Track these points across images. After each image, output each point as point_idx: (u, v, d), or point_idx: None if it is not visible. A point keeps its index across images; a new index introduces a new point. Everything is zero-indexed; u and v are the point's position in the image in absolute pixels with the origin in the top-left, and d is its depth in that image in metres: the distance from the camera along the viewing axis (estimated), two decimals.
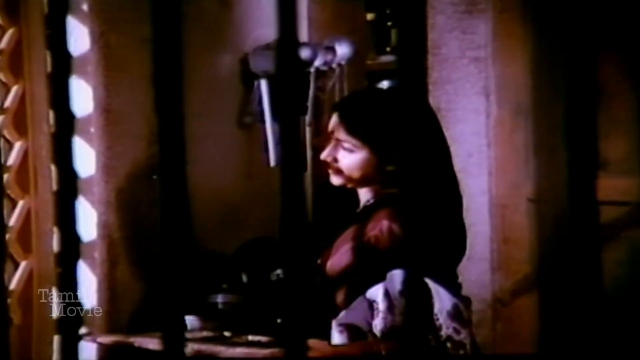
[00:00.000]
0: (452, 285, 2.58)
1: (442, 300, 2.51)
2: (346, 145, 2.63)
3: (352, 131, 2.63)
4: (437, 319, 2.50)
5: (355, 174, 2.64)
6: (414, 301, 2.42)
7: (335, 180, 2.67)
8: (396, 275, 2.52)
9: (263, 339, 2.96)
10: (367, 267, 2.56)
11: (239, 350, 2.90)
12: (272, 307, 3.07)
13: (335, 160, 2.64)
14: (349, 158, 2.63)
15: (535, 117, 3.19)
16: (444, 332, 2.50)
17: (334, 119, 2.65)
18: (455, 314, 2.54)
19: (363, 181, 2.66)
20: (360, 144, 2.62)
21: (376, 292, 2.52)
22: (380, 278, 2.53)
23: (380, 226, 2.56)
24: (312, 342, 2.55)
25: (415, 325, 2.42)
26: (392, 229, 2.55)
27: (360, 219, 2.61)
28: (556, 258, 3.09)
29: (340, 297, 2.60)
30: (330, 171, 2.67)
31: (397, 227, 2.53)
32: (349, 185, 2.68)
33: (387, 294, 2.52)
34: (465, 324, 2.55)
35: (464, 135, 3.21)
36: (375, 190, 2.65)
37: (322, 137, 2.78)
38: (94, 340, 3.24)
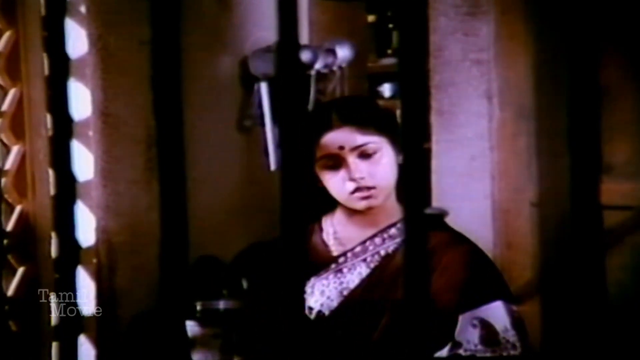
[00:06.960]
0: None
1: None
2: (370, 146, 2.44)
3: (366, 127, 2.43)
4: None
5: (387, 182, 2.44)
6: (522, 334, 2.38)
7: (368, 202, 2.42)
8: (498, 308, 2.42)
9: None
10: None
11: None
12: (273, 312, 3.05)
13: (365, 176, 2.42)
14: (379, 163, 2.43)
15: (538, 120, 3.17)
16: None
17: (341, 132, 2.44)
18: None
19: (389, 195, 2.48)
20: (379, 137, 2.43)
21: (464, 330, 2.39)
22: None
23: (458, 260, 2.41)
24: None
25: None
26: (467, 261, 2.44)
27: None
28: (559, 263, 3.08)
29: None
30: (359, 195, 2.42)
31: (471, 263, 2.43)
32: (375, 208, 2.44)
33: (486, 325, 2.39)
34: None
35: (466, 139, 3.19)
36: (394, 210, 2.48)
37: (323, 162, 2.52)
38: None
